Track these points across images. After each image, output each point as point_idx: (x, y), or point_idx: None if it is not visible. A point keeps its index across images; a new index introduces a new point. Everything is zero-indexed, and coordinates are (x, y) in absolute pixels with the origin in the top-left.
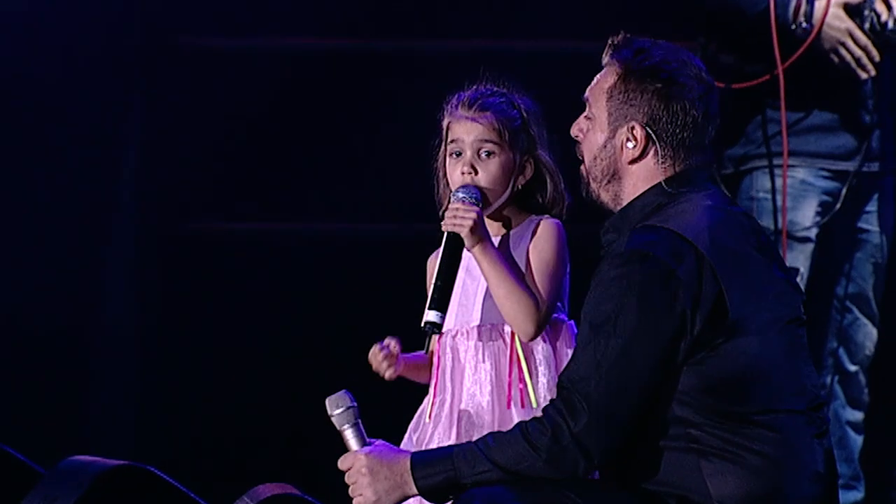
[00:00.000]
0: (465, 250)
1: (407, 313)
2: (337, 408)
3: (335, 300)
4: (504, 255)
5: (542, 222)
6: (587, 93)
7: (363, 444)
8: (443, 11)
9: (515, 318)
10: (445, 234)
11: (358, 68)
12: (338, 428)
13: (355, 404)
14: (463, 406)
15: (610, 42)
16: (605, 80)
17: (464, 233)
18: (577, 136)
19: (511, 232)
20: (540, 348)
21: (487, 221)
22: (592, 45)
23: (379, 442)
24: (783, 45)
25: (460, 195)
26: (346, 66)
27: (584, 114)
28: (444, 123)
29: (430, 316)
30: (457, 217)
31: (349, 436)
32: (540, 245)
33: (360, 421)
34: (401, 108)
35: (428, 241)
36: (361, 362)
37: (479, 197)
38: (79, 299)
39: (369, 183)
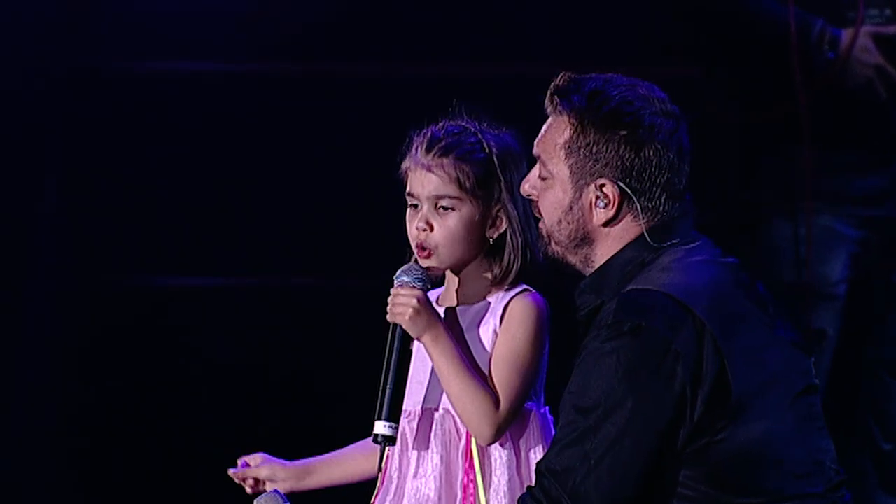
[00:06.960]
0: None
1: (349, 373)
2: None
3: (270, 360)
4: (460, 343)
5: (515, 299)
6: (537, 148)
7: None
8: (403, 35)
9: (470, 420)
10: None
11: (292, 94)
12: None
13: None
14: (406, 502)
15: (553, 87)
16: (557, 133)
17: (404, 322)
18: (530, 196)
19: (479, 303)
20: (497, 448)
21: (449, 289)
22: (587, 69)
23: None
24: (803, 76)
25: (403, 278)
26: (282, 92)
27: (537, 172)
28: (403, 167)
29: (380, 428)
30: (395, 304)
31: None
32: (512, 330)
33: None
34: (343, 139)
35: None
36: (300, 430)
37: (425, 278)
38: None
39: (310, 231)
